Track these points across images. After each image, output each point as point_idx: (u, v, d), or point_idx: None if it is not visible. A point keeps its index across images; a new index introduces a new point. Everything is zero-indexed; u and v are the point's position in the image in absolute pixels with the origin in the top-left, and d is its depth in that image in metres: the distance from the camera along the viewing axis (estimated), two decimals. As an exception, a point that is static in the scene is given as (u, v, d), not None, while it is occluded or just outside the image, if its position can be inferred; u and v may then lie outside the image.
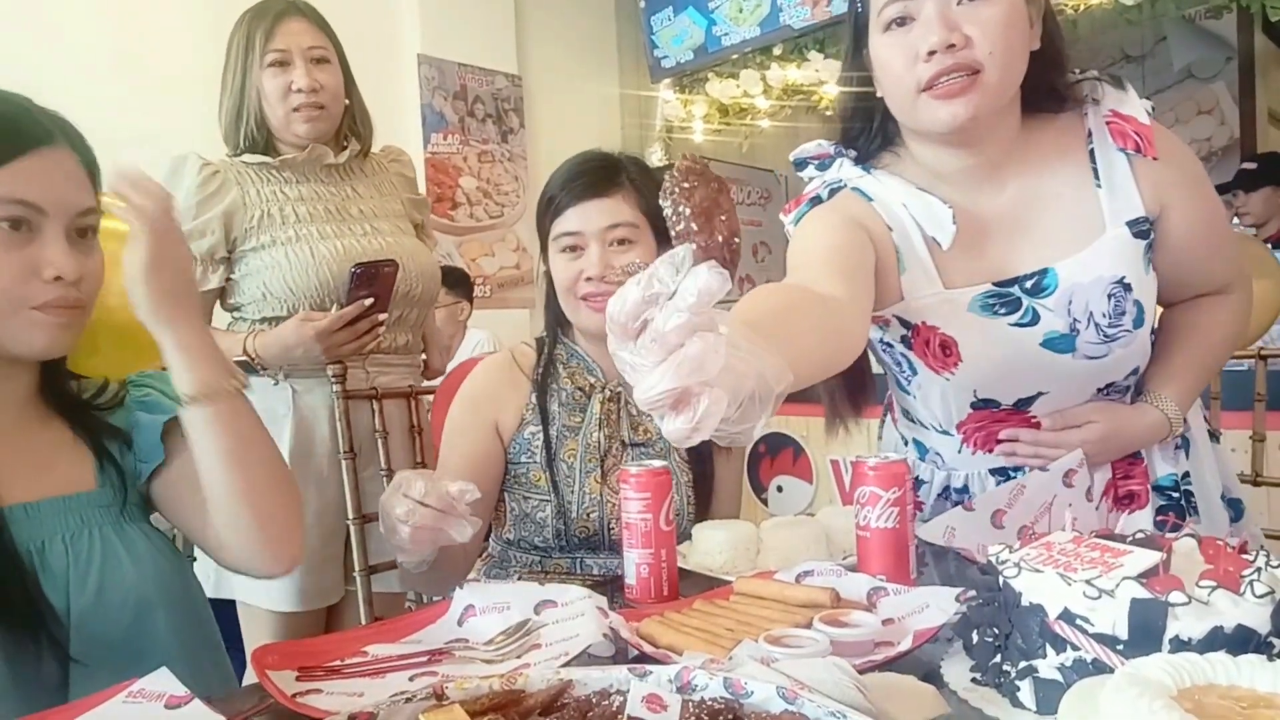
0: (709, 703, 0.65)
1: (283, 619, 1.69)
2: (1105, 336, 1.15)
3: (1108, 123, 1.16)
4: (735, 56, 4.19)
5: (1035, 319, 1.15)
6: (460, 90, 4.09)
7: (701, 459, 1.43)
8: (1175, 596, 0.68)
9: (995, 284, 1.16)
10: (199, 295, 1.07)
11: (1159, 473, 1.26)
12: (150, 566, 1.01)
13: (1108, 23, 3.46)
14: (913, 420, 1.37)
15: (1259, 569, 0.73)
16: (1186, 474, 1.28)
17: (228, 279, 1.72)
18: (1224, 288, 1.27)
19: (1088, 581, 0.71)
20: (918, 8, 1.06)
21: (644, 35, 4.46)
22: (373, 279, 1.61)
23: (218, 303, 1.77)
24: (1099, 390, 1.23)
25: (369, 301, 1.61)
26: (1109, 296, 1.14)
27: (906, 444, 1.40)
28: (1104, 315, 1.14)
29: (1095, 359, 1.17)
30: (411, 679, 0.87)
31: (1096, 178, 1.16)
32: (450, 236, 4.03)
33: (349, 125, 1.81)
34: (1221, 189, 4.46)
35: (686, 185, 0.86)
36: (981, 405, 1.25)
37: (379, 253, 1.71)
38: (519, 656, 0.91)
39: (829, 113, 4.05)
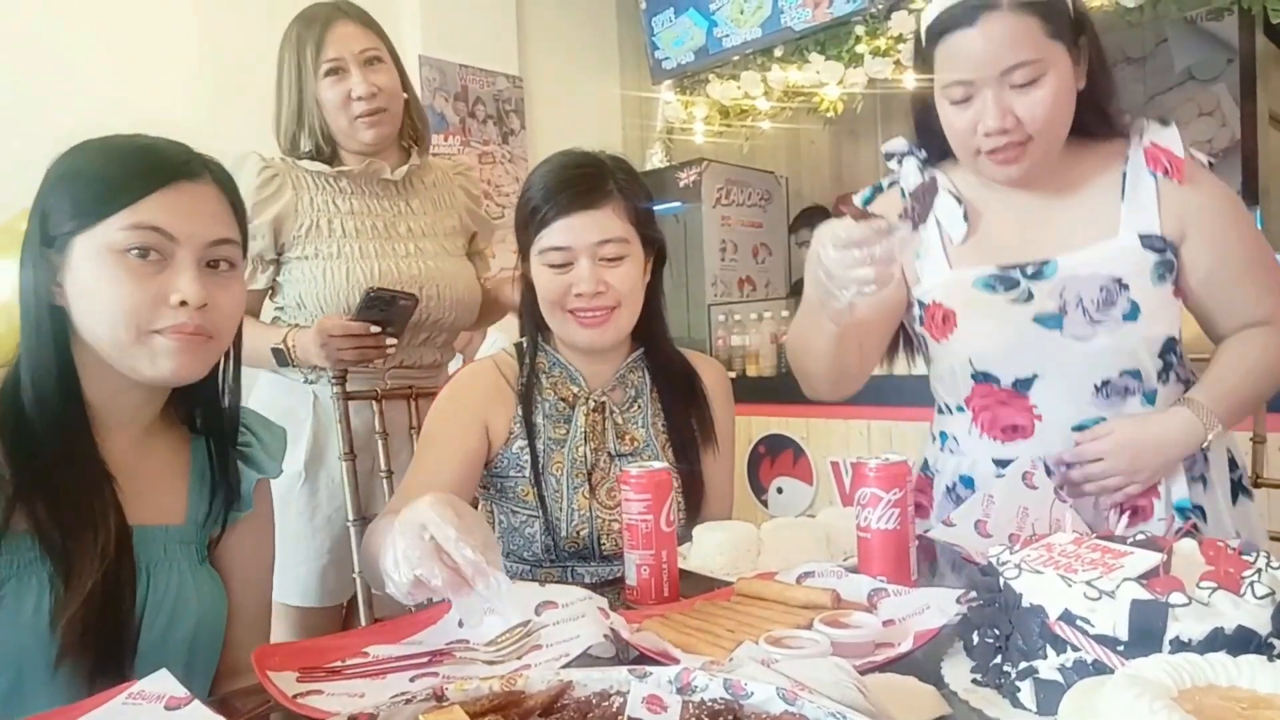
0: (709, 704, 0.65)
1: (302, 613, 1.71)
2: (1091, 319, 1.24)
3: (1145, 150, 1.27)
4: (736, 58, 4.18)
5: (1029, 297, 1.27)
6: (461, 91, 4.09)
7: (689, 459, 1.40)
8: (1176, 598, 0.68)
9: (1000, 266, 1.28)
10: None
11: (1175, 495, 1.27)
12: (211, 614, 1.02)
13: (1108, 25, 3.45)
14: (939, 409, 1.43)
15: (1259, 570, 0.73)
16: (1201, 508, 1.28)
17: (274, 279, 1.73)
18: (1268, 320, 1.29)
19: (1088, 583, 0.71)
20: (976, 90, 1.21)
21: (645, 37, 4.46)
22: (385, 306, 1.59)
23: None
24: (1096, 389, 1.26)
25: (375, 329, 1.59)
26: (1101, 289, 1.24)
27: (934, 439, 1.45)
28: (1092, 302, 1.24)
29: (1082, 339, 1.25)
30: (412, 680, 0.87)
31: (1123, 195, 1.27)
32: (451, 238, 4.02)
33: (409, 126, 1.81)
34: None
35: (925, 201, 1.14)
36: (981, 379, 1.32)
37: (417, 277, 1.71)
38: (519, 657, 0.91)
39: (829, 114, 4.06)
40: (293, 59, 1.70)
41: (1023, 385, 1.29)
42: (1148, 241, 1.24)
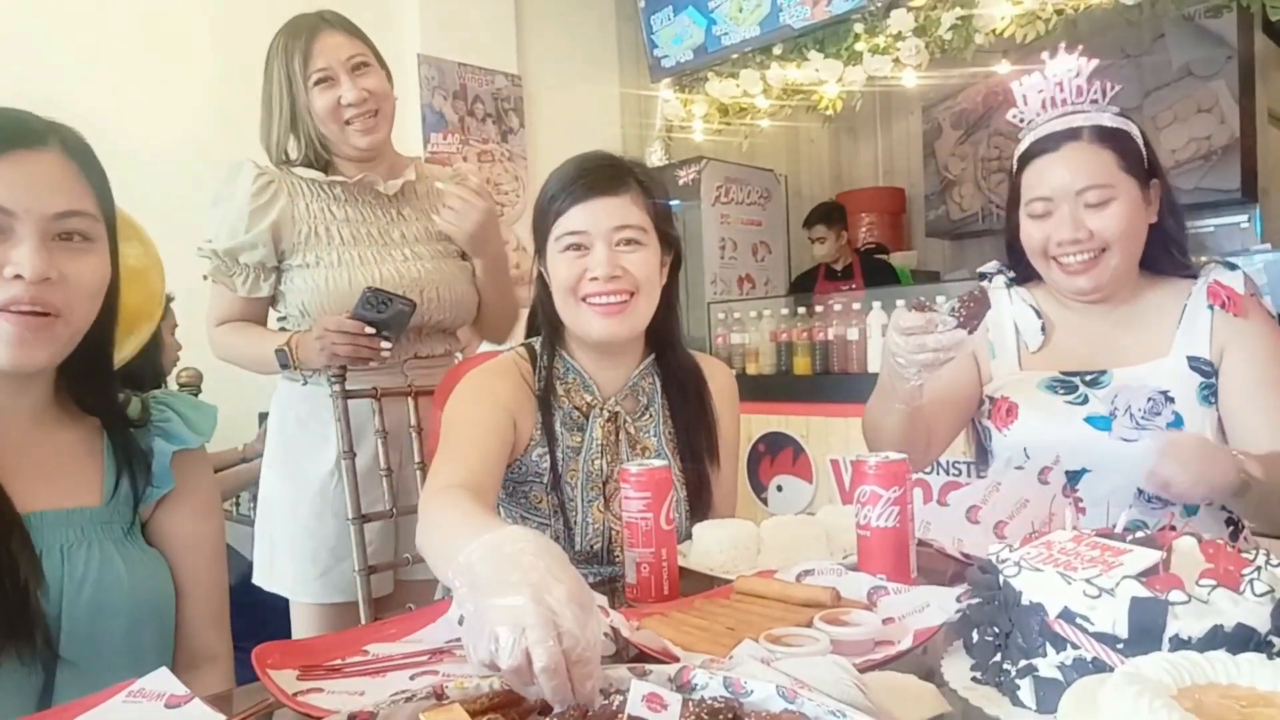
0: (709, 701, 0.65)
1: (332, 610, 1.71)
2: (1137, 424, 1.35)
3: (1208, 287, 1.39)
4: (735, 56, 4.18)
5: (1085, 400, 1.40)
6: (460, 90, 4.09)
7: (698, 463, 1.41)
8: (1175, 595, 0.68)
9: (1062, 372, 1.43)
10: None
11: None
12: (149, 587, 1.00)
13: (1107, 21, 3.45)
14: None
15: (1259, 568, 0.73)
16: None
17: (277, 287, 1.74)
18: None
19: (1088, 580, 0.71)
20: (1055, 206, 1.36)
21: (644, 35, 4.46)
22: (382, 308, 1.60)
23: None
24: (1139, 491, 1.32)
25: (370, 331, 1.59)
26: (1149, 399, 1.35)
27: None
28: (1140, 410, 1.36)
29: (1129, 442, 1.34)
30: (412, 678, 0.87)
31: (1179, 322, 1.39)
32: (450, 236, 4.03)
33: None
34: (1209, 204, 4.46)
35: (970, 308, 1.19)
36: None
37: (417, 280, 1.72)
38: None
39: (828, 112, 4.06)
40: (282, 70, 1.71)
41: (1073, 478, 1.37)
42: (1194, 362, 1.36)
